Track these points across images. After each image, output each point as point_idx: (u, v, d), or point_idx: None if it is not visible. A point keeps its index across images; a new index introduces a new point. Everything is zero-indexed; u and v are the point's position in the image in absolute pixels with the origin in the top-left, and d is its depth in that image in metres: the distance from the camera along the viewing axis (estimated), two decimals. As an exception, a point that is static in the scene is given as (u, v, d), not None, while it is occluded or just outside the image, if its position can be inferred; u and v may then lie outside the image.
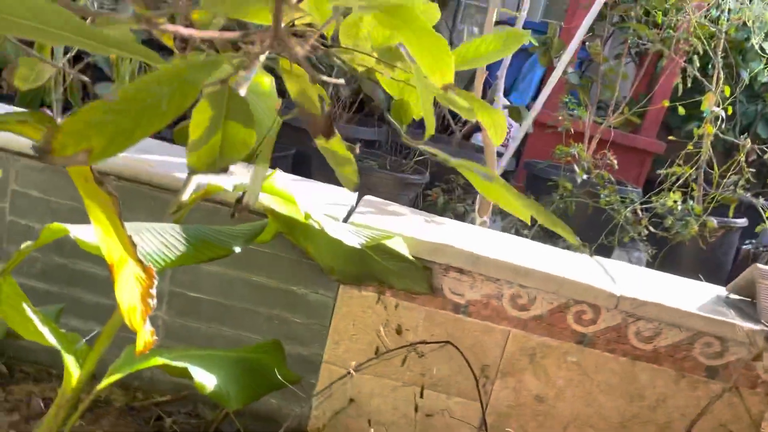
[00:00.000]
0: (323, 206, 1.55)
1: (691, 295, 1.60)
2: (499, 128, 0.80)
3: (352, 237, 1.39)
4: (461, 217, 2.62)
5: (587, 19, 2.59)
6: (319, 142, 0.75)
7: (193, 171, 0.62)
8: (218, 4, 0.58)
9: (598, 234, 2.71)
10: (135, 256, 0.97)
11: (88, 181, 0.94)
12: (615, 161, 2.73)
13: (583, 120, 3.02)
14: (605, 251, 2.79)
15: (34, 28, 0.38)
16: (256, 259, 1.55)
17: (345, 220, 1.55)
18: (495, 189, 0.71)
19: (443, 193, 2.72)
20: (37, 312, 1.12)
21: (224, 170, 0.63)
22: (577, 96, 3.23)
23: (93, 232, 1.08)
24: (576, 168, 2.64)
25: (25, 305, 1.09)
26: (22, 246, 1.10)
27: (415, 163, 2.75)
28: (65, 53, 1.96)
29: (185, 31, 0.66)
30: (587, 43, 3.02)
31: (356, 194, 1.77)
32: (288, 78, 0.61)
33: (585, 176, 2.68)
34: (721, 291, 1.70)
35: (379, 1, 0.57)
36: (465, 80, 3.95)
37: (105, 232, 1.03)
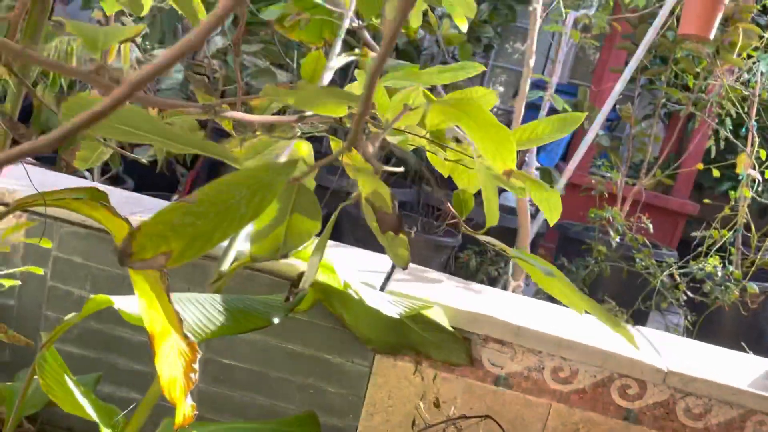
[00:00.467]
0: (359, 273, 1.54)
1: (740, 369, 1.54)
2: (554, 208, 0.79)
3: (390, 307, 1.37)
4: (494, 280, 2.59)
5: (620, 84, 2.61)
6: (376, 225, 0.74)
7: (255, 259, 0.62)
8: (286, 96, 0.59)
9: (634, 298, 2.65)
10: (181, 332, 0.96)
11: (137, 256, 0.95)
12: (650, 224, 2.69)
13: (615, 181, 3.01)
14: (642, 316, 2.72)
15: (127, 132, 0.39)
16: (292, 327, 1.53)
17: (382, 288, 1.53)
18: (553, 283, 0.70)
19: (475, 256, 2.69)
20: (77, 384, 1.11)
21: (285, 257, 0.62)
22: (607, 157, 3.22)
23: (136, 304, 1.08)
24: (610, 231, 2.61)
25: (67, 378, 1.08)
26: (66, 317, 1.11)
27: (446, 225, 2.74)
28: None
29: (247, 117, 0.67)
30: (618, 106, 3.03)
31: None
32: (355, 173, 0.61)
33: (619, 239, 2.64)
34: (771, 364, 1.63)
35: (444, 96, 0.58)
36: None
37: (148, 304, 1.02)
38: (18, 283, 1.13)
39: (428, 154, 0.85)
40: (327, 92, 0.58)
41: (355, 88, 0.90)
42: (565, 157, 4.08)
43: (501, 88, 6.56)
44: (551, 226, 1.02)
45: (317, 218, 0.56)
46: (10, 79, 0.63)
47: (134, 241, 0.42)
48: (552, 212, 0.86)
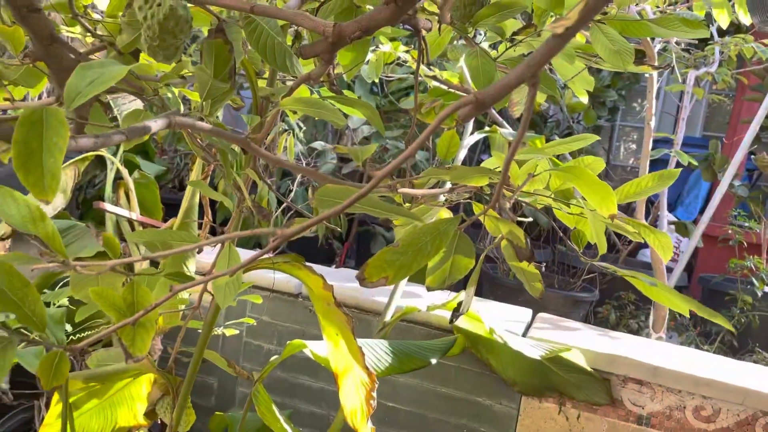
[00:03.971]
0: (502, 323, 1.73)
1: None
2: (666, 248, 0.96)
3: (532, 350, 1.55)
4: (635, 333, 2.63)
5: (749, 134, 2.65)
6: (514, 263, 0.96)
7: (429, 288, 0.85)
8: (444, 174, 0.84)
9: (789, 349, 2.56)
10: (363, 364, 1.21)
11: (329, 305, 1.23)
12: (798, 272, 2.62)
13: (756, 231, 2.96)
14: (801, 368, 2.61)
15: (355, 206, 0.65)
16: (444, 372, 1.74)
17: (523, 335, 1.71)
18: (658, 292, 0.87)
19: (614, 310, 2.76)
20: (281, 413, 1.40)
21: (450, 287, 0.86)
22: (747, 208, 3.18)
23: (323, 347, 1.36)
24: (754, 281, 2.58)
25: (274, 407, 1.37)
26: (272, 358, 1.40)
27: (583, 281, 2.84)
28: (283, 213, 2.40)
29: (415, 192, 0.93)
30: (753, 156, 3.02)
31: (531, 312, 1.93)
32: (493, 227, 0.85)
33: (766, 288, 2.60)
34: None
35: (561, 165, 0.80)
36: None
37: (334, 346, 1.29)
38: (236, 332, 1.45)
39: (554, 210, 1.06)
40: (474, 170, 0.83)
41: (491, 162, 1.14)
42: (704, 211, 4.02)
43: (633, 146, 6.55)
44: (671, 264, 1.17)
45: (472, 257, 0.79)
46: (259, 179, 0.95)
47: (365, 271, 0.67)
48: (664, 252, 1.03)
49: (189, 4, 0.76)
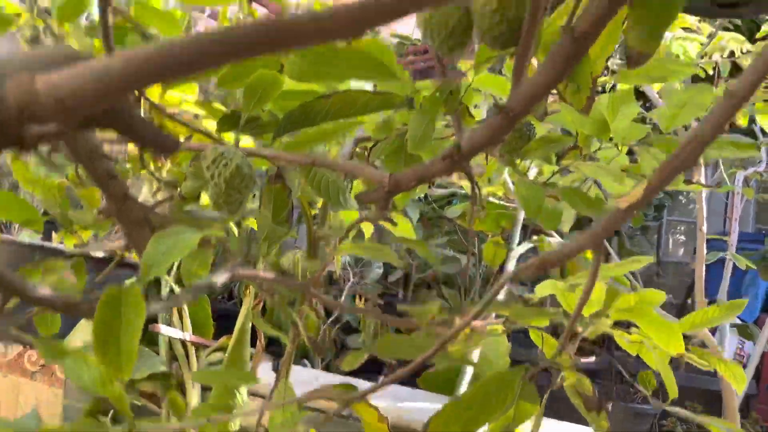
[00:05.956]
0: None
1: None
2: (739, 379, 0.92)
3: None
4: (705, 449, 2.46)
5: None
6: (578, 403, 0.93)
7: (492, 436, 0.82)
8: (504, 310, 0.83)
9: None
10: (421, 501, 1.16)
11: (384, 437, 1.20)
12: None
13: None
14: None
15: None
16: (505, 501, 1.65)
17: (587, 460, 1.62)
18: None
19: (680, 423, 2.60)
20: None
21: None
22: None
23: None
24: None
25: None
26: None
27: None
28: (328, 316, 2.41)
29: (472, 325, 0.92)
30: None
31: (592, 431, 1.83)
32: (555, 362, 0.83)
33: None
34: None
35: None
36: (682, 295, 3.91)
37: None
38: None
39: (615, 338, 1.03)
40: (534, 311, 0.82)
41: (545, 288, 1.13)
42: (766, 310, 3.85)
43: (682, 238, 6.42)
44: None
45: (536, 403, 0.77)
46: (316, 317, 0.96)
47: (432, 426, 0.66)
48: (737, 383, 0.98)
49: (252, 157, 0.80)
